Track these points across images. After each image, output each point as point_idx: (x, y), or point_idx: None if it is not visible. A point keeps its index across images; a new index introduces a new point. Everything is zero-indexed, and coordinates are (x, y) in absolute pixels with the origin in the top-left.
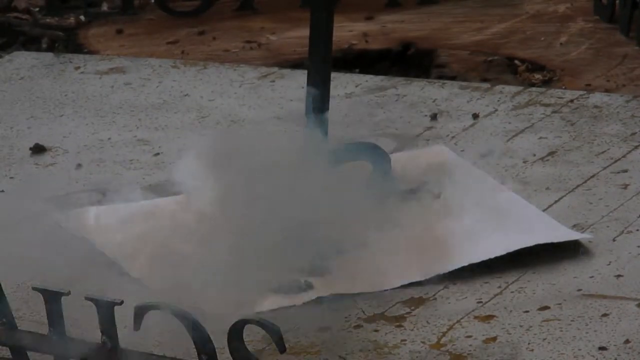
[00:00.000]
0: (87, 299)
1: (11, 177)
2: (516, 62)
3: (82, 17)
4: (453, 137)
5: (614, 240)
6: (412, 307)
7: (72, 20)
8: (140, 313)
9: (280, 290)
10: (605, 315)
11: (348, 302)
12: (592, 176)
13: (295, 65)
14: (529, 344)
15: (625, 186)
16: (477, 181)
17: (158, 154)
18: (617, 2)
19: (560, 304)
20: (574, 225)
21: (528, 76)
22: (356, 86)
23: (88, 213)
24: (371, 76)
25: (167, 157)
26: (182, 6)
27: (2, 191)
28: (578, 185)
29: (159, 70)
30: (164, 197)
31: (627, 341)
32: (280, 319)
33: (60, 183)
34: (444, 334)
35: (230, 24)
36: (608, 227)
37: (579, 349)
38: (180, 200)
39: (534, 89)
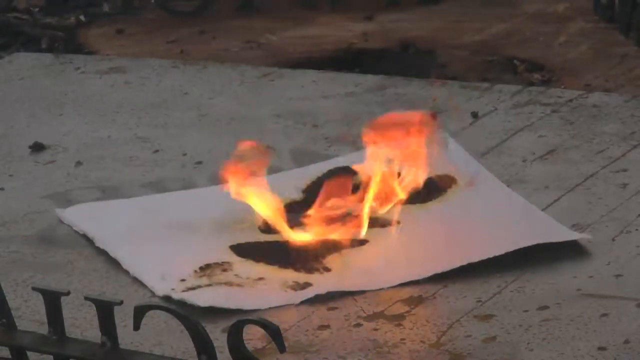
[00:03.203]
0: (86, 298)
1: (10, 175)
2: (516, 61)
3: (82, 17)
4: (452, 136)
5: (613, 240)
6: (412, 306)
7: (72, 20)
8: (140, 313)
9: (279, 289)
10: (604, 315)
11: (348, 300)
12: (592, 175)
13: (295, 64)
14: (528, 343)
15: (625, 185)
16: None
17: (157, 151)
18: (617, 2)
19: (559, 303)
20: (574, 225)
21: (527, 76)
22: (356, 86)
23: (87, 208)
24: (371, 75)
25: (167, 155)
26: (182, 6)
27: (2, 189)
28: (577, 184)
29: (159, 69)
30: (162, 193)
31: (626, 341)
32: (280, 319)
33: (60, 180)
34: (443, 333)
35: (230, 23)
36: (607, 226)
37: (579, 349)
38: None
39: (533, 88)
